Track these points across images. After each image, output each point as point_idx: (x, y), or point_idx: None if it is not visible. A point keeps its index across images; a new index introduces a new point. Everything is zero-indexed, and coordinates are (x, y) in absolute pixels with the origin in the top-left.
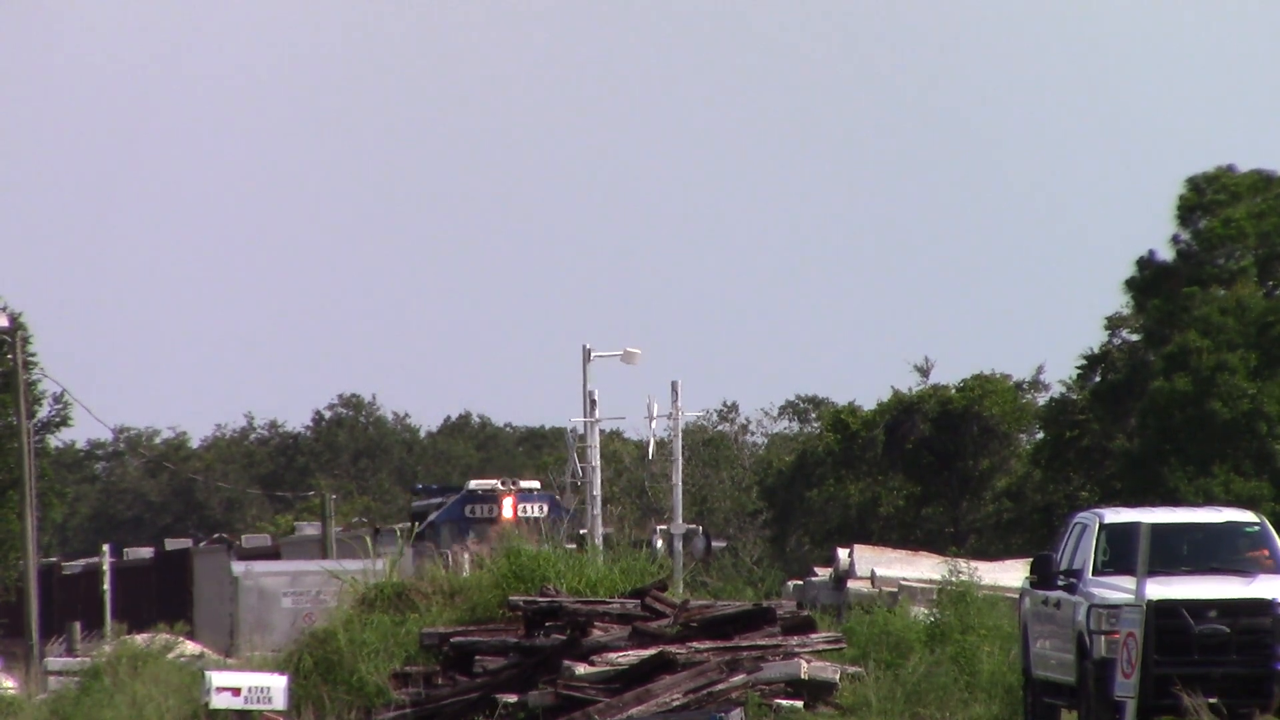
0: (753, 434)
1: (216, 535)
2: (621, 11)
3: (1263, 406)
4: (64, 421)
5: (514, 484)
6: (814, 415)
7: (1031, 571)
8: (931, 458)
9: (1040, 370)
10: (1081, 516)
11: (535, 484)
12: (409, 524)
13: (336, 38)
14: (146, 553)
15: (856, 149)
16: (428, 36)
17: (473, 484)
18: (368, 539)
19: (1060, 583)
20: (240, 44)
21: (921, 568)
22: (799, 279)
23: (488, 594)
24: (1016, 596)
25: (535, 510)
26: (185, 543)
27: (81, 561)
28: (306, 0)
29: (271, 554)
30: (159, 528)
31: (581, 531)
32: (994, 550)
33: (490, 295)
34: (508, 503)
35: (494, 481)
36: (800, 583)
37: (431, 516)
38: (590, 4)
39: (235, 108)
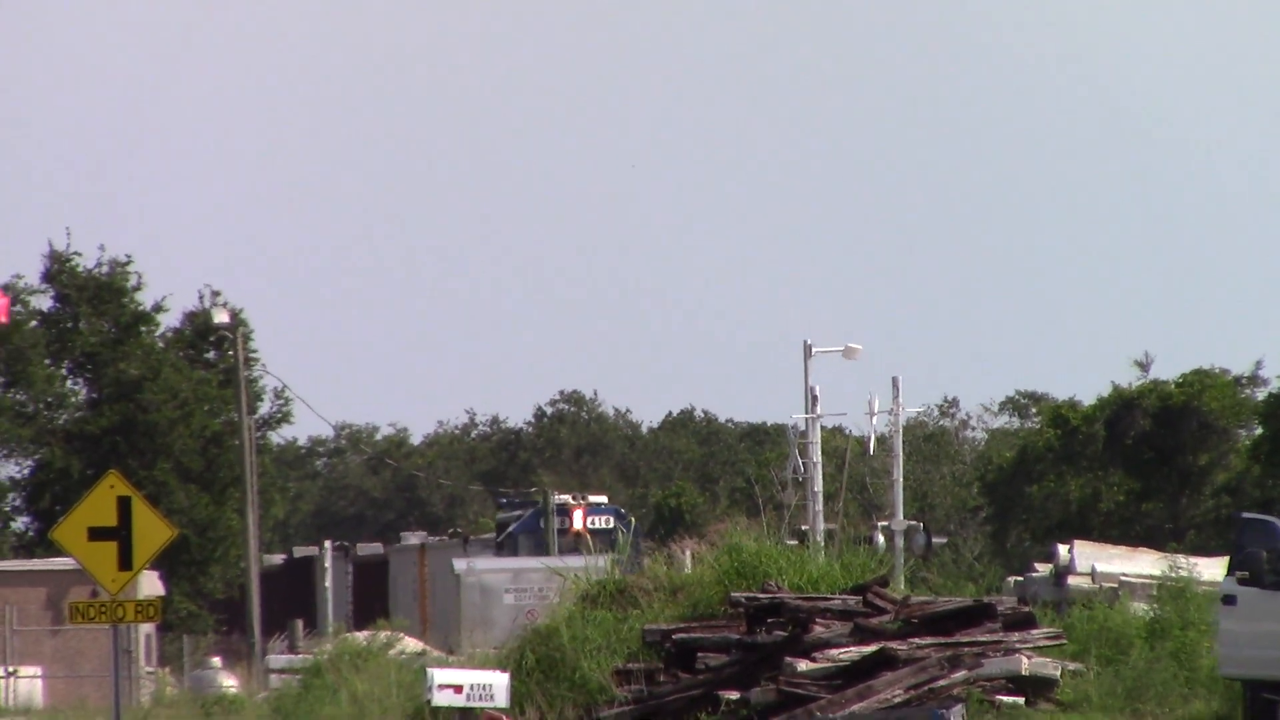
0: (973, 429)
1: (339, 544)
2: None
3: None
4: (285, 418)
5: (583, 498)
6: (1034, 411)
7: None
8: (1151, 453)
9: (1259, 365)
10: None
11: (603, 498)
12: (494, 534)
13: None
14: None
15: (1082, 147)
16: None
17: None
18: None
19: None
20: (433, 19)
21: (1141, 563)
22: (1020, 275)
23: (709, 590)
24: None
25: (602, 522)
26: (312, 550)
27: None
28: None
29: (383, 561)
30: (381, 524)
31: (803, 528)
32: (1213, 546)
33: (711, 291)
34: (578, 515)
35: (566, 496)
36: (1020, 579)
37: (510, 528)
38: None
39: (442, 101)
